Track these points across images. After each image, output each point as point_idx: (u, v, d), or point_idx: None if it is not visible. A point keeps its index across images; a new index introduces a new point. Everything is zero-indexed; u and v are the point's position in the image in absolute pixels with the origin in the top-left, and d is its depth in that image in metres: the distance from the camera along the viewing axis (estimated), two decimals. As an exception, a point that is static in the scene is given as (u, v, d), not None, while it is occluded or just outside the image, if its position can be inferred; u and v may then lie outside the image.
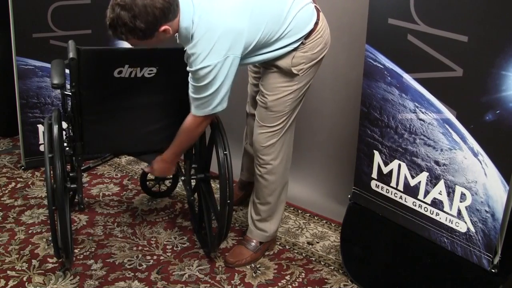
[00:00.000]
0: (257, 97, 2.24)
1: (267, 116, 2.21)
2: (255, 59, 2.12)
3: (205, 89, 1.99)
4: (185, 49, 1.99)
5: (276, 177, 2.32)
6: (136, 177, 3.08)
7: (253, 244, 2.43)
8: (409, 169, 2.02)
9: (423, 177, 1.99)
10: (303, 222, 2.74)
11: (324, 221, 2.75)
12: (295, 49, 2.12)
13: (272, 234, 2.45)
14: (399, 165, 2.05)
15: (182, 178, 2.48)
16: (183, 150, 2.28)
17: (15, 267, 2.36)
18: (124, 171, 3.16)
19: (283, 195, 2.40)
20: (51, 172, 2.09)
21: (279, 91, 2.17)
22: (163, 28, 1.90)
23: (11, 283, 2.26)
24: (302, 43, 2.12)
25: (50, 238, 2.48)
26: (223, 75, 1.97)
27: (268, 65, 2.16)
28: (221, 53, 1.94)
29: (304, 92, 2.22)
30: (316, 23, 2.13)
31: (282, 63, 2.12)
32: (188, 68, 2.00)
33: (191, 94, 2.04)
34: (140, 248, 2.50)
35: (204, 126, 2.17)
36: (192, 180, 2.49)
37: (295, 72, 2.13)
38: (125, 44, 3.08)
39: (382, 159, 2.11)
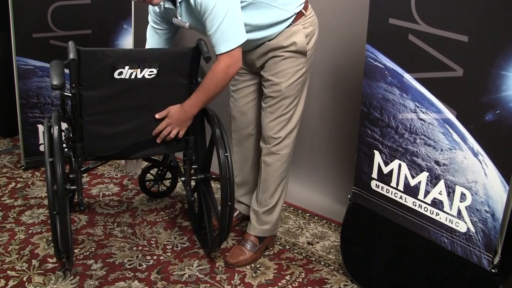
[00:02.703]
0: (266, 91, 2.29)
1: (280, 104, 2.28)
2: (261, 33, 2.18)
3: (217, 16, 2.00)
4: None
5: (282, 162, 2.36)
6: (136, 177, 3.07)
7: (252, 242, 2.43)
8: (409, 169, 2.02)
9: (423, 177, 1.99)
10: (303, 222, 2.74)
11: (324, 221, 2.75)
12: (296, 23, 2.19)
13: (274, 223, 2.45)
14: (400, 165, 2.05)
15: (182, 178, 2.48)
16: (207, 100, 2.17)
17: (15, 267, 2.36)
18: (124, 171, 3.16)
19: (286, 181, 2.44)
20: (51, 176, 2.09)
21: (291, 74, 2.24)
22: None
23: (11, 283, 2.26)
24: (302, 13, 2.20)
25: (50, 238, 2.48)
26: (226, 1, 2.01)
27: (279, 50, 2.22)
28: None
29: (306, 78, 2.31)
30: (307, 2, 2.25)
31: (297, 39, 2.20)
32: (197, 7, 2.03)
33: (209, 33, 2.05)
34: (140, 248, 2.50)
35: (232, 70, 2.11)
36: (191, 181, 2.49)
37: (307, 49, 2.23)
38: (126, 45, 3.11)
39: (382, 159, 2.11)
